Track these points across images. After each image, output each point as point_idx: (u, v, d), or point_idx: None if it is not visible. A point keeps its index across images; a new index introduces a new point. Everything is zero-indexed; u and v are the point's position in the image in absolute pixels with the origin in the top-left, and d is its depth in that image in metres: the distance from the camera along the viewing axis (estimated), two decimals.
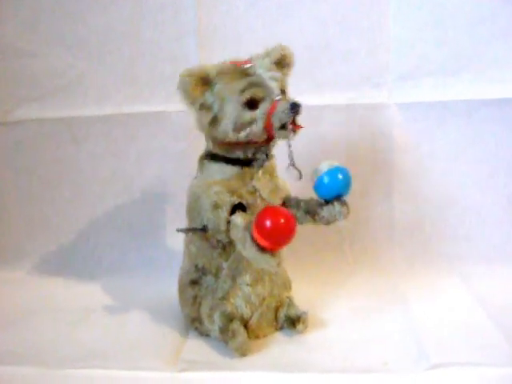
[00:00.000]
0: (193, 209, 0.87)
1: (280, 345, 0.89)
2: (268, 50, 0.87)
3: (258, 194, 0.86)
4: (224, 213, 0.81)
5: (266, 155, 0.88)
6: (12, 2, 1.12)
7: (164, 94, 1.12)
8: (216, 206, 0.82)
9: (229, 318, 0.86)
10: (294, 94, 1.07)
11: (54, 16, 1.12)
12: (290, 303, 0.94)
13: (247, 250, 0.77)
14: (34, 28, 1.13)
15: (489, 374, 0.80)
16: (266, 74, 0.83)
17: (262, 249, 0.76)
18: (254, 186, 0.86)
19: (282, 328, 0.93)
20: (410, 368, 0.81)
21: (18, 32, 1.13)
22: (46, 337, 0.93)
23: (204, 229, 0.84)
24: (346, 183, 0.84)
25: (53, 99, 1.15)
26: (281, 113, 0.80)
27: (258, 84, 0.82)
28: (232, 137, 0.83)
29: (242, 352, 0.85)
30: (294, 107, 0.80)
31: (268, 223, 0.74)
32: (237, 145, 0.84)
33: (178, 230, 0.86)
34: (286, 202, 0.90)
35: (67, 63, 1.14)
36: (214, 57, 1.06)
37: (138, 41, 1.12)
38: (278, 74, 0.84)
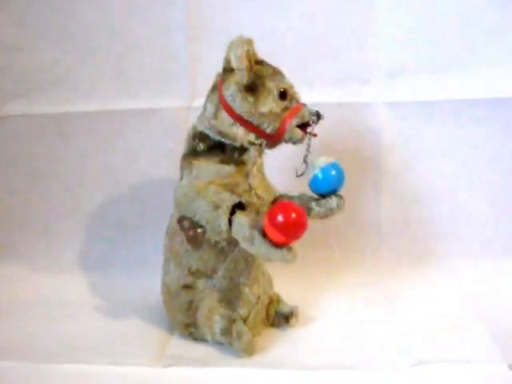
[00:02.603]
0: (186, 211, 0.84)
1: (266, 341, 0.88)
2: None
3: (253, 191, 0.86)
4: (225, 212, 0.79)
5: (259, 153, 0.87)
6: None
7: (153, 90, 1.12)
8: (216, 206, 0.80)
9: (230, 319, 0.85)
10: None
11: (42, 10, 1.11)
12: (280, 299, 0.94)
13: (257, 247, 0.76)
14: (22, 22, 1.11)
15: (474, 370, 0.80)
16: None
17: (276, 245, 0.75)
18: (249, 184, 0.86)
19: (271, 325, 0.93)
20: (395, 364, 0.82)
21: (6, 26, 1.12)
22: (32, 331, 0.93)
23: (203, 227, 0.82)
24: (342, 178, 0.86)
25: (40, 94, 1.13)
26: (307, 112, 0.83)
27: (292, 86, 0.85)
28: (253, 110, 0.82)
29: (250, 352, 0.84)
30: (319, 115, 0.83)
31: (282, 217, 0.74)
32: (245, 125, 0.83)
33: (180, 222, 0.85)
34: (277, 199, 0.89)
35: (55, 58, 1.12)
36: (203, 52, 1.08)
37: (127, 36, 1.11)
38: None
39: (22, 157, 1.17)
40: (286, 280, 0.97)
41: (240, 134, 0.84)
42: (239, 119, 0.83)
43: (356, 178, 1.13)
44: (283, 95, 0.84)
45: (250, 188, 0.85)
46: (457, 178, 1.13)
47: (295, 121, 0.83)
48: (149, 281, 0.99)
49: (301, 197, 0.88)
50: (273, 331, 0.92)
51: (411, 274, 1.09)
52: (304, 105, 0.85)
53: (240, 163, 0.85)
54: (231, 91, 0.83)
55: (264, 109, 0.82)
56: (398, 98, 1.12)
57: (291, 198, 0.89)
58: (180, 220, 0.84)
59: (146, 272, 1.06)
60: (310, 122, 0.83)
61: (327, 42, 1.11)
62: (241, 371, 0.81)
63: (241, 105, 0.82)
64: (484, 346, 0.86)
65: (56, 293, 1.06)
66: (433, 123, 1.12)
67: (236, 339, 0.84)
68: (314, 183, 0.85)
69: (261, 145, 0.85)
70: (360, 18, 1.11)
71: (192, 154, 0.88)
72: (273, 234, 0.75)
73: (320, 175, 0.84)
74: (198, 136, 0.87)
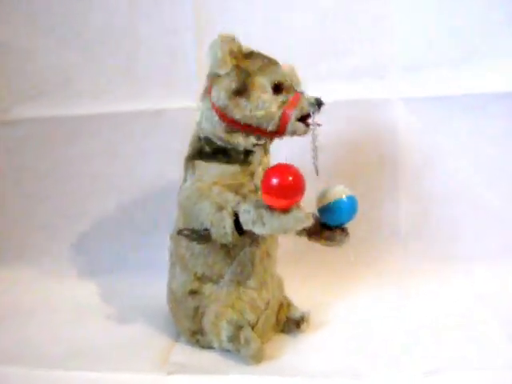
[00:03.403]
0: (189, 214, 0.82)
1: (275, 348, 0.86)
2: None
3: (259, 192, 0.81)
4: (230, 214, 0.77)
5: (264, 151, 0.85)
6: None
7: (161, 91, 1.11)
8: (220, 208, 0.78)
9: (237, 326, 0.83)
10: None
11: (49, 13, 1.11)
12: (290, 304, 0.91)
13: (269, 224, 0.73)
14: (30, 26, 1.12)
15: (490, 376, 0.77)
16: (290, 70, 0.82)
17: (284, 211, 0.73)
18: (255, 185, 0.83)
19: (282, 330, 0.90)
20: (408, 372, 0.78)
21: (14, 30, 1.12)
22: (37, 336, 0.93)
23: (207, 230, 0.80)
24: (353, 214, 0.83)
25: (49, 97, 1.14)
26: (306, 103, 0.78)
27: (287, 74, 0.81)
28: (248, 114, 0.79)
29: (258, 359, 0.82)
30: (320, 102, 0.78)
31: (276, 180, 0.72)
32: (243, 129, 0.80)
33: (180, 233, 0.83)
34: None
35: (63, 61, 1.13)
36: None
37: (135, 37, 1.11)
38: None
39: (31, 160, 1.17)
40: (298, 283, 0.96)
41: (240, 140, 0.81)
42: (236, 125, 0.80)
43: (372, 176, 1.12)
44: (278, 89, 0.80)
45: (256, 189, 0.83)
46: (476, 175, 1.10)
47: (295, 113, 0.78)
48: (155, 286, 0.97)
49: None
50: (283, 337, 0.89)
51: (428, 276, 1.05)
52: (302, 93, 0.80)
53: (245, 163, 0.83)
54: (222, 99, 0.80)
55: (260, 111, 0.79)
56: (414, 94, 1.09)
57: None
58: (180, 232, 0.83)
59: (153, 277, 1.03)
60: (311, 113, 0.78)
61: (341, 37, 1.09)
62: (246, 379, 0.79)
63: (235, 111, 0.79)
64: (500, 352, 0.82)
65: (61, 298, 1.06)
66: (450, 119, 1.09)
67: (244, 346, 0.82)
68: (323, 212, 0.82)
69: (265, 142, 0.83)
70: (375, 12, 1.08)
71: (196, 155, 0.86)
72: (276, 201, 0.73)
73: (332, 205, 0.81)
74: (204, 138, 0.85)
